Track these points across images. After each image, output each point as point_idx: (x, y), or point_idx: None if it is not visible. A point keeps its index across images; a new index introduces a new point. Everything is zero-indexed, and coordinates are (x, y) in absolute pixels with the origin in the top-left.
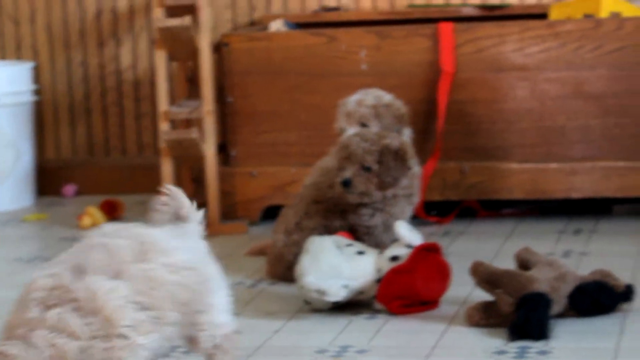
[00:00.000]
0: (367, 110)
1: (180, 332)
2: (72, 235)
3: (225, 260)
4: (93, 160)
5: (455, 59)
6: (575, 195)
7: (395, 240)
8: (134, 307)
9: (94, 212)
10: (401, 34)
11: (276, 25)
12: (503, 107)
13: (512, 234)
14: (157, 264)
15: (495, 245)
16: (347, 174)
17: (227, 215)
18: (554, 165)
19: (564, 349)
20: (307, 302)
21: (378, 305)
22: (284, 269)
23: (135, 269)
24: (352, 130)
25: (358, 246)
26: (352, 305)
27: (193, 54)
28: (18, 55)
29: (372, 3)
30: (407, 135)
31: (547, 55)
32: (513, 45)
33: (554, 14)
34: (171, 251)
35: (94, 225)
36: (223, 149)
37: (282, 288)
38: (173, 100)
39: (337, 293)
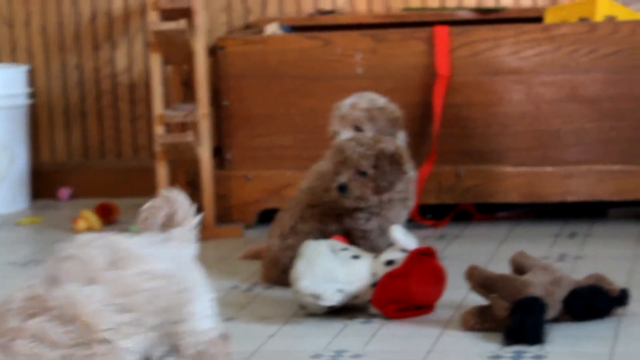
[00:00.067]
0: (360, 114)
1: (162, 338)
2: (66, 239)
3: (221, 263)
4: (88, 164)
5: (451, 63)
6: (571, 198)
7: (390, 244)
8: (113, 309)
9: (89, 215)
10: (396, 38)
11: (271, 29)
12: (498, 111)
13: (507, 238)
14: (132, 271)
15: (490, 249)
16: (343, 178)
17: (222, 219)
18: (549, 169)
19: (559, 353)
20: (302, 307)
21: (373, 309)
22: (279, 273)
23: (110, 274)
24: (346, 133)
25: (353, 250)
26: (347, 310)
27: (188, 57)
28: (13, 58)
29: (367, 6)
30: (401, 138)
31: (543, 59)
32: (508, 48)
33: (549, 18)
34: (147, 259)
35: (90, 228)
36: (218, 153)
37: (277, 292)
38: (168, 103)
39: (332, 297)
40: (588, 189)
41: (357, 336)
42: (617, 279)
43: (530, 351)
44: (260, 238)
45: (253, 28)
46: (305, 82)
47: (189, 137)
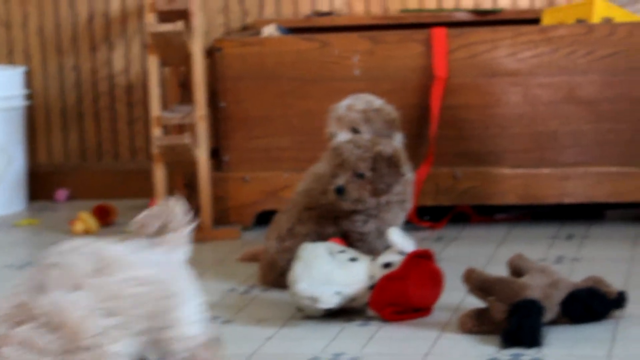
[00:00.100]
0: (357, 115)
1: (150, 344)
2: (63, 241)
3: (218, 266)
4: (85, 165)
5: (448, 64)
6: (568, 200)
7: (388, 246)
8: (99, 313)
9: (86, 217)
10: (394, 39)
11: (269, 30)
12: (496, 112)
13: (505, 239)
14: (117, 277)
15: (488, 251)
16: (341, 181)
17: (219, 221)
18: (546, 171)
19: (557, 356)
20: (299, 309)
21: (371, 312)
22: (276, 276)
23: (95, 281)
24: (342, 135)
25: (351, 253)
26: (344, 312)
27: (185, 59)
28: (10, 60)
29: (365, 8)
30: (398, 140)
31: (540, 61)
32: (506, 50)
33: (547, 19)
34: (132, 265)
35: (87, 230)
36: (216, 154)
37: (275, 295)
38: (165, 105)
39: (330, 300)
40: (585, 190)
41: (354, 339)
42: (614, 281)
43: (527, 354)
44: (258, 240)
45: (250, 30)
46: (303, 84)
47: (186, 139)
